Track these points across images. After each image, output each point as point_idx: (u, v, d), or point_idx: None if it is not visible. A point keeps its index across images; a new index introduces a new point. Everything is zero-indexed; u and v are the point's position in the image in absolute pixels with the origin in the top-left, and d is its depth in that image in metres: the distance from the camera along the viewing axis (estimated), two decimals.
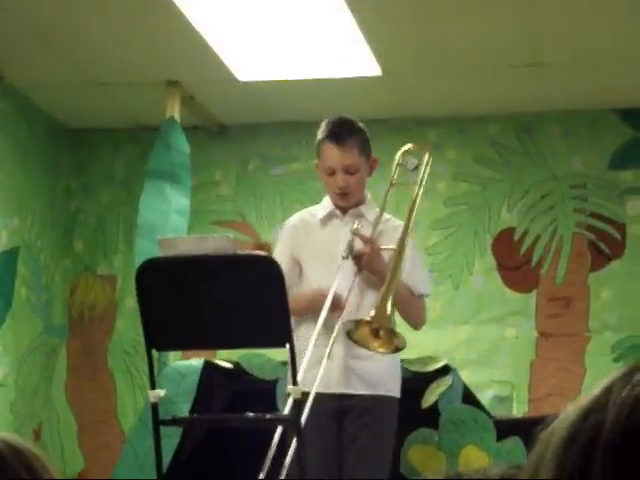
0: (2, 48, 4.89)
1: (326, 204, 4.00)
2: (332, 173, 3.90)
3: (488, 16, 4.51)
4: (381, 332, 3.64)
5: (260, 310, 3.42)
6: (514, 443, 4.22)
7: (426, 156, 4.06)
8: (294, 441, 3.50)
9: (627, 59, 4.87)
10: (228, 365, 4.47)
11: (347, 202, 3.95)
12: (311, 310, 3.79)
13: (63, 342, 5.69)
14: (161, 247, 3.60)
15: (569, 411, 0.80)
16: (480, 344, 5.39)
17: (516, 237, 5.47)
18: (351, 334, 3.64)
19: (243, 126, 5.68)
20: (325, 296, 3.72)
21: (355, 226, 3.82)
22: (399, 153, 4.03)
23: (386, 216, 4.03)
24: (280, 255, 3.88)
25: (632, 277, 5.34)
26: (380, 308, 3.64)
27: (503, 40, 4.72)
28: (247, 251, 4.49)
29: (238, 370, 4.44)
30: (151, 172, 5.08)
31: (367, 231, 3.88)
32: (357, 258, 3.79)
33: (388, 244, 3.89)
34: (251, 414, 3.61)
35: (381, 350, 3.65)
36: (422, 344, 5.25)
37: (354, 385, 3.79)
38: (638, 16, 4.47)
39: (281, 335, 3.40)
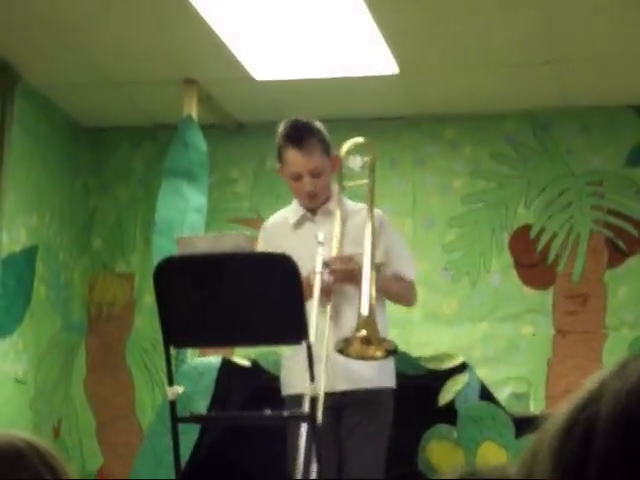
0: (21, 48, 4.92)
1: (296, 208, 4.01)
2: (298, 178, 3.92)
3: (505, 14, 4.51)
4: (371, 339, 3.65)
5: (276, 307, 3.44)
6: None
7: (371, 154, 4.06)
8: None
9: None
10: (246, 363, 4.49)
11: (316, 203, 3.97)
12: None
13: (82, 339, 5.72)
14: (179, 245, 3.63)
15: (562, 408, 0.81)
16: (497, 341, 5.39)
17: (533, 234, 5.47)
18: (344, 351, 3.65)
19: (260, 124, 5.70)
20: (307, 283, 3.74)
21: (319, 239, 3.78)
22: (342, 153, 4.02)
23: (355, 207, 4.02)
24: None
25: None
26: (365, 318, 3.65)
27: (520, 37, 4.71)
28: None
29: (256, 367, 4.46)
30: (169, 170, 5.11)
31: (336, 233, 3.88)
32: (327, 290, 3.78)
33: (363, 232, 3.89)
34: (268, 411, 3.63)
35: (378, 355, 3.66)
36: (439, 341, 5.26)
37: (351, 380, 3.80)
38: None
39: (297, 332, 3.42)
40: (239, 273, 3.45)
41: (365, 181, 4.04)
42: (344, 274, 3.81)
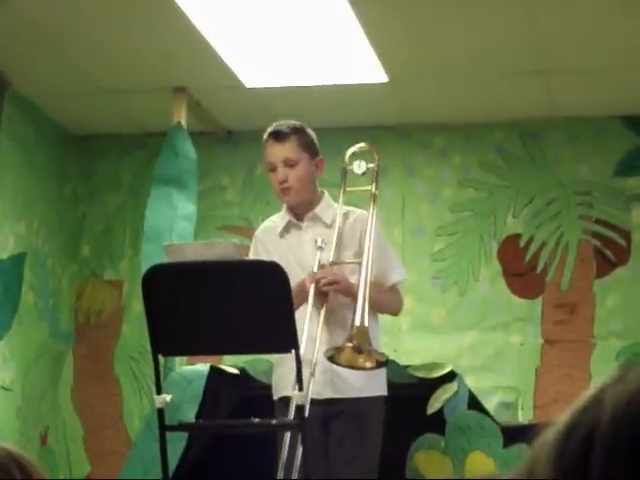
0: (10, 55, 4.91)
1: (283, 214, 4.01)
2: (273, 169, 3.93)
3: (494, 23, 4.53)
4: (362, 349, 3.65)
5: (266, 316, 3.43)
6: (520, 449, 4.22)
7: (375, 158, 4.03)
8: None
9: (633, 67, 4.88)
10: (234, 371, 4.48)
11: (290, 198, 3.94)
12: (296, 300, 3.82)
13: (69, 347, 5.70)
14: (167, 253, 3.62)
15: (563, 414, 0.82)
16: (485, 350, 5.39)
17: (522, 243, 5.48)
18: (335, 359, 3.65)
19: (249, 132, 5.70)
20: (302, 287, 3.74)
21: (319, 244, 3.80)
22: (347, 157, 4.02)
23: (345, 209, 4.01)
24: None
25: (637, 284, 5.35)
26: (358, 327, 3.65)
27: (509, 47, 4.73)
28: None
29: (244, 376, 4.45)
30: (158, 178, 5.10)
31: (323, 236, 3.87)
32: (321, 295, 3.78)
33: (353, 239, 3.89)
34: (257, 419, 3.62)
35: (368, 365, 3.66)
36: (427, 350, 5.26)
37: (340, 389, 3.79)
38: None
39: (287, 341, 3.41)
40: (228, 281, 3.45)
41: (368, 187, 4.02)
42: (333, 285, 3.80)
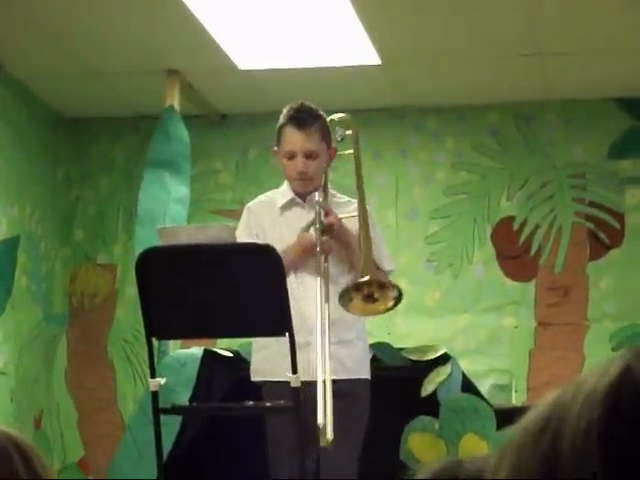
0: (2, 38, 4.88)
1: (285, 191, 3.98)
2: (292, 157, 3.89)
3: (488, 5, 4.51)
4: (375, 293, 3.62)
5: (259, 299, 3.43)
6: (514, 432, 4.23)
7: (352, 125, 4.05)
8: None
9: (627, 49, 4.88)
10: (228, 354, 4.48)
11: (306, 188, 3.93)
12: (301, 259, 3.82)
13: (63, 331, 5.70)
14: (161, 236, 3.61)
15: (573, 395, 0.80)
16: (479, 333, 5.40)
17: (515, 226, 5.48)
18: (347, 307, 3.62)
19: (243, 115, 5.68)
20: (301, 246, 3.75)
21: (317, 198, 3.82)
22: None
23: (341, 200, 4.03)
24: (245, 238, 3.86)
25: (631, 266, 5.35)
26: (365, 267, 3.64)
27: (503, 29, 4.71)
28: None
29: (238, 359, 4.45)
30: (151, 161, 5.09)
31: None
32: (327, 230, 3.78)
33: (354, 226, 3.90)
34: (251, 402, 3.63)
35: (390, 305, 3.64)
36: (421, 333, 5.27)
37: (334, 370, 3.79)
38: (638, 6, 4.47)
39: (280, 324, 3.41)
40: (222, 264, 3.45)
41: (350, 151, 4.02)
42: (340, 224, 3.80)
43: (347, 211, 3.94)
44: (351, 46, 4.89)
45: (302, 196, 3.97)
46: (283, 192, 4.00)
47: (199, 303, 3.49)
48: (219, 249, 3.48)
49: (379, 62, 5.03)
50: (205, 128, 5.68)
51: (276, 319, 3.43)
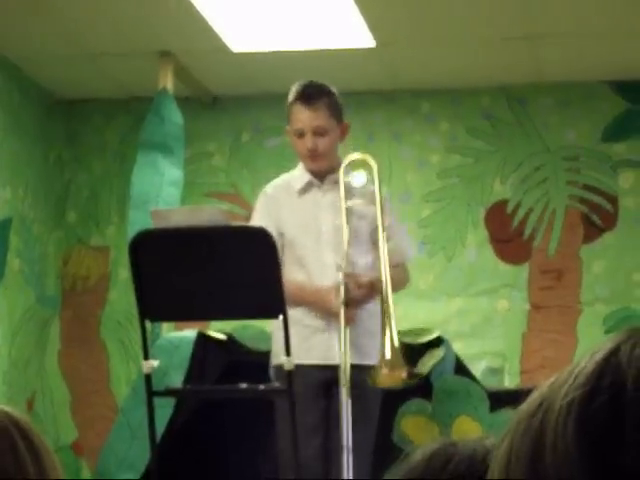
0: None
1: (302, 173, 3.94)
2: (301, 135, 3.85)
3: None
4: (399, 367, 3.63)
5: (253, 281, 3.43)
6: (507, 414, 4.24)
7: (373, 166, 3.87)
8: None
9: (621, 31, 4.87)
10: (221, 336, 4.48)
11: (318, 165, 3.89)
12: (315, 309, 3.79)
13: (56, 313, 5.69)
14: (154, 218, 3.61)
15: (564, 378, 0.80)
16: (472, 316, 5.40)
17: (509, 209, 5.48)
18: (373, 382, 3.63)
19: (236, 97, 5.66)
20: (329, 294, 3.70)
21: (341, 266, 3.71)
22: (341, 170, 3.86)
23: (357, 182, 3.95)
24: (265, 221, 3.80)
25: (624, 249, 5.35)
26: (391, 350, 3.61)
27: (497, 12, 4.70)
28: (240, 223, 4.49)
29: (231, 341, 4.45)
30: (144, 143, 5.07)
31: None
32: (352, 303, 3.73)
33: (367, 209, 3.86)
34: (244, 385, 3.63)
35: (403, 377, 3.65)
36: (415, 316, 5.27)
37: (353, 355, 3.79)
38: None
39: (275, 306, 3.41)
40: (215, 246, 3.44)
41: (360, 201, 3.88)
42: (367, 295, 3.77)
43: (363, 193, 3.89)
44: (345, 29, 4.87)
45: (319, 176, 3.92)
46: (300, 174, 3.95)
47: (193, 285, 3.49)
48: (212, 231, 3.48)
49: (373, 45, 5.01)
50: (198, 110, 5.66)
51: (270, 301, 3.43)
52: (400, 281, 3.99)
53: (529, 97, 5.51)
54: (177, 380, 4.24)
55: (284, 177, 4.03)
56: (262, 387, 3.74)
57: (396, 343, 3.62)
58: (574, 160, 5.46)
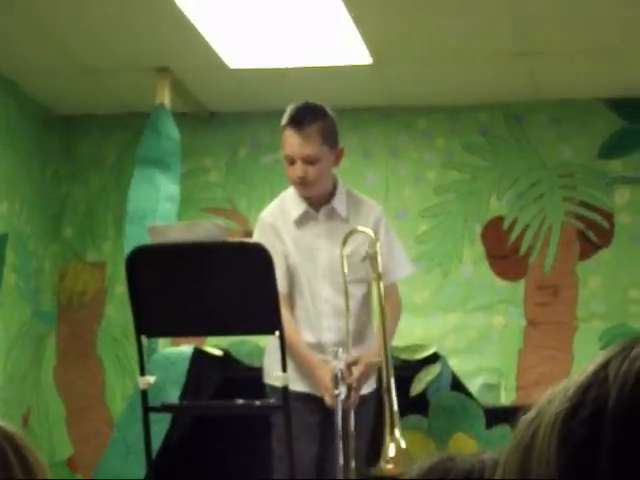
0: None
1: (297, 201, 3.84)
2: (292, 162, 3.76)
3: (478, 5, 4.52)
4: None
5: (250, 297, 3.43)
6: (503, 430, 4.24)
7: (371, 236, 3.75)
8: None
9: (617, 49, 4.88)
10: (218, 352, 4.48)
11: (308, 192, 3.80)
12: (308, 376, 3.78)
13: (52, 328, 5.68)
14: (151, 234, 3.61)
15: (559, 391, 0.80)
16: (469, 332, 5.40)
17: (505, 226, 5.49)
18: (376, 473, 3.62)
19: (233, 113, 5.68)
20: (326, 377, 3.67)
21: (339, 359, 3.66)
22: (342, 249, 3.73)
23: (355, 198, 3.90)
24: (275, 256, 3.66)
25: (620, 266, 5.36)
26: (398, 450, 3.59)
27: (493, 29, 4.72)
28: (237, 238, 4.49)
29: (227, 357, 4.45)
30: (141, 159, 5.08)
31: (339, 230, 3.77)
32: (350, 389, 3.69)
33: (366, 224, 3.83)
34: (240, 401, 3.62)
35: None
36: (411, 332, 5.27)
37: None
38: (628, 6, 4.48)
39: (271, 322, 3.41)
40: (212, 262, 3.44)
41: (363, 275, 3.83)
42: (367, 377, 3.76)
43: (362, 213, 3.87)
44: (342, 45, 4.89)
45: (314, 205, 3.84)
46: (294, 201, 3.85)
47: (189, 301, 3.49)
48: (208, 247, 3.48)
49: (370, 61, 5.03)
50: (195, 126, 5.67)
51: (266, 317, 3.43)
52: (394, 314, 3.91)
53: (525, 114, 5.53)
54: (173, 395, 4.24)
55: (279, 203, 3.92)
56: (258, 403, 3.73)
57: (402, 444, 3.58)
58: (570, 177, 5.48)
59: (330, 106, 5.52)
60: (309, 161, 3.74)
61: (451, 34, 4.77)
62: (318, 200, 3.86)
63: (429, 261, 5.50)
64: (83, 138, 5.82)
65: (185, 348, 4.49)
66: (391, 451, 3.54)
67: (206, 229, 3.58)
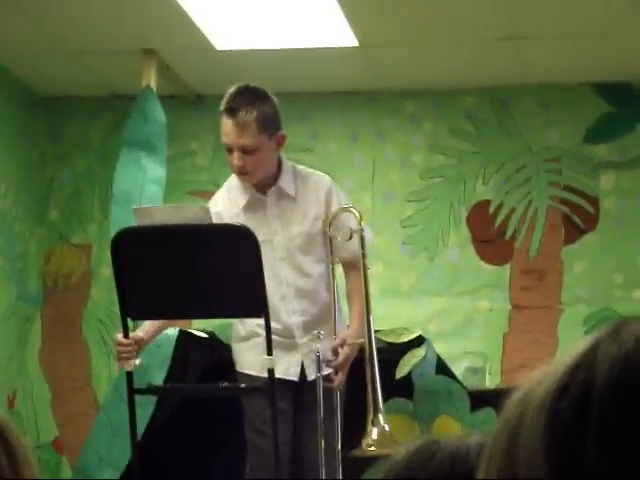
0: None
1: (243, 188, 3.80)
2: (230, 150, 3.72)
3: None
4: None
5: (235, 280, 3.43)
6: (487, 414, 4.26)
7: (356, 215, 3.76)
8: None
9: (604, 33, 4.89)
10: (203, 335, 4.48)
11: (249, 181, 3.76)
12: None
13: (37, 310, 5.67)
14: (137, 216, 3.60)
15: (548, 371, 0.80)
16: (454, 316, 5.42)
17: (491, 210, 5.50)
18: (359, 454, 3.61)
19: (220, 96, 5.62)
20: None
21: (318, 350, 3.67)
22: (328, 225, 3.77)
23: (301, 174, 3.85)
24: None
25: (605, 250, 5.38)
26: (381, 433, 3.58)
27: (480, 13, 4.72)
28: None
29: (213, 340, 4.45)
30: (127, 141, 5.06)
31: (290, 210, 3.79)
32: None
33: (317, 204, 3.81)
34: (225, 384, 3.63)
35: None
36: (396, 315, 5.28)
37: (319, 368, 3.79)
38: None
39: (257, 305, 3.41)
40: (197, 245, 3.44)
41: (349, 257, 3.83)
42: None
43: (311, 188, 3.83)
44: (329, 28, 4.88)
45: (261, 188, 3.80)
46: (240, 187, 3.81)
47: (174, 284, 3.48)
48: (194, 230, 3.47)
49: (356, 44, 5.02)
50: (181, 108, 5.66)
51: (252, 300, 3.43)
52: (359, 287, 3.87)
53: (512, 98, 5.53)
54: (159, 378, 4.24)
55: (225, 191, 3.87)
56: (243, 386, 3.74)
57: (386, 427, 3.57)
58: (556, 161, 5.49)
59: (316, 89, 5.54)
60: (246, 151, 3.69)
61: (438, 18, 4.77)
62: (264, 183, 3.81)
63: (415, 245, 5.50)
64: (69, 120, 5.80)
65: (170, 331, 4.48)
66: (374, 433, 3.55)
67: (193, 212, 3.58)
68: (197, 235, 3.46)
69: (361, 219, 3.78)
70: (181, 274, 3.46)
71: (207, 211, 3.61)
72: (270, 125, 3.72)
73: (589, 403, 0.75)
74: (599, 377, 0.75)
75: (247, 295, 3.43)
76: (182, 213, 3.55)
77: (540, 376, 0.80)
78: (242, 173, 3.75)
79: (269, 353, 3.45)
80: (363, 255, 3.75)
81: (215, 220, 3.77)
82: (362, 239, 3.75)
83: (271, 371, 3.47)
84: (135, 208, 3.74)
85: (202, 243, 3.45)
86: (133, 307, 3.54)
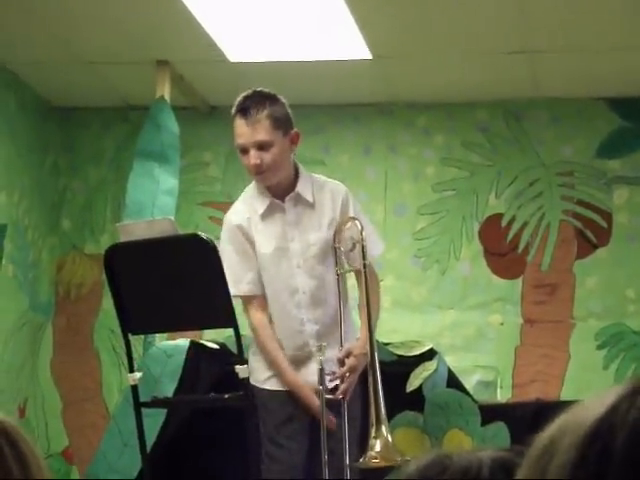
0: None
1: (261, 196, 3.80)
2: (245, 151, 3.73)
3: (479, 2, 4.52)
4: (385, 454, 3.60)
5: (202, 291, 3.43)
6: (498, 428, 4.25)
7: (359, 227, 3.75)
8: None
9: (617, 48, 4.89)
10: (214, 346, 4.48)
11: (267, 180, 3.75)
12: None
13: (49, 320, 5.68)
14: (121, 233, 3.65)
15: (571, 423, 0.80)
16: (465, 329, 5.41)
17: (503, 223, 5.49)
18: (363, 465, 3.59)
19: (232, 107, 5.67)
20: (300, 390, 3.71)
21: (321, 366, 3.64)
22: (334, 238, 3.77)
23: (318, 182, 3.86)
24: (234, 255, 3.74)
25: (617, 265, 5.37)
26: (384, 444, 3.56)
27: (493, 26, 4.72)
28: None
29: (224, 351, 4.45)
30: (140, 152, 5.07)
31: (307, 217, 3.79)
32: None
33: (334, 210, 3.82)
34: (212, 394, 3.65)
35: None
36: (408, 328, 5.28)
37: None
38: (628, 5, 4.48)
39: (225, 316, 3.40)
40: (167, 258, 3.47)
41: (356, 267, 3.81)
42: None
43: (328, 196, 3.82)
44: (342, 40, 4.89)
45: (278, 196, 3.80)
46: (261, 199, 3.81)
47: (157, 297, 3.52)
48: (164, 243, 3.50)
49: (370, 57, 5.03)
50: (195, 120, 5.67)
51: (220, 311, 3.42)
52: (378, 290, 3.92)
53: (525, 112, 5.53)
54: (170, 389, 4.24)
55: (243, 201, 3.87)
56: (227, 396, 3.73)
57: (389, 438, 3.56)
58: (569, 175, 5.48)
59: (330, 101, 5.55)
60: (261, 147, 3.70)
61: (451, 31, 4.77)
62: (281, 189, 3.80)
63: (427, 258, 5.50)
64: (83, 131, 5.82)
65: (182, 341, 4.49)
66: (377, 445, 3.54)
67: (160, 225, 3.60)
68: (164, 248, 3.50)
69: (362, 230, 3.77)
70: (160, 287, 3.51)
71: (172, 223, 3.60)
72: (283, 122, 3.75)
73: (611, 457, 0.75)
74: (616, 450, 0.75)
75: (215, 306, 3.43)
76: (152, 227, 3.59)
77: (564, 425, 0.80)
78: (259, 173, 3.74)
79: (242, 362, 3.44)
80: (364, 265, 3.74)
81: (237, 233, 3.78)
82: (363, 249, 3.74)
83: (247, 379, 3.48)
84: (118, 225, 3.78)
85: (170, 255, 3.48)
86: (129, 321, 3.64)
